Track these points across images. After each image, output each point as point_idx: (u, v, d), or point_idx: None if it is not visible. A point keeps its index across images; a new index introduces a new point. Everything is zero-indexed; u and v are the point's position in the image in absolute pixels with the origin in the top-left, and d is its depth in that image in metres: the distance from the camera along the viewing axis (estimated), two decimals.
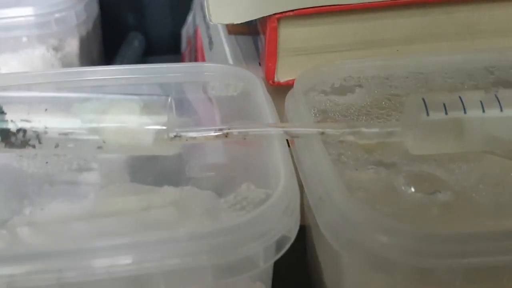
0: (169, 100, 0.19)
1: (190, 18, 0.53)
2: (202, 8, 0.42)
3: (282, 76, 0.26)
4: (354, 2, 0.25)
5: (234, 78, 0.25)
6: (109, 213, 0.20)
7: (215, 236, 0.15)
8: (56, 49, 0.37)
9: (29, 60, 0.36)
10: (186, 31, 0.53)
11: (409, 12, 0.26)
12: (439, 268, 0.15)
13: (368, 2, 0.25)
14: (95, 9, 0.42)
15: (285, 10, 0.24)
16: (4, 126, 0.19)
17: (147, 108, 0.19)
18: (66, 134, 0.19)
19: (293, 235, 0.17)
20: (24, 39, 0.35)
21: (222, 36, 0.32)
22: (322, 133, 0.19)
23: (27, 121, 0.19)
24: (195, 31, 0.43)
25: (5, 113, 0.19)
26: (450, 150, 0.18)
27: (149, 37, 0.54)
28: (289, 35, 0.25)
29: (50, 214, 0.20)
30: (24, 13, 0.34)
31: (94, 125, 0.18)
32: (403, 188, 0.18)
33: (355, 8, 0.25)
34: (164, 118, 0.19)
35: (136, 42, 0.52)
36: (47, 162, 0.20)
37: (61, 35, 0.36)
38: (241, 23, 0.33)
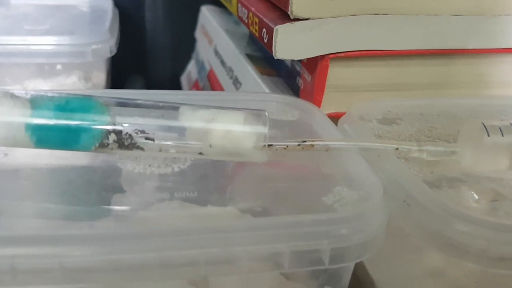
0: (267, 114, 0.22)
1: (189, 66, 0.57)
2: (216, 53, 0.45)
3: (325, 109, 0.29)
4: (393, 48, 0.29)
5: (290, 106, 0.28)
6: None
7: (334, 223, 0.18)
8: (86, 79, 0.38)
9: (59, 87, 0.37)
10: (186, 77, 0.56)
11: (435, 61, 0.31)
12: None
13: (405, 50, 0.29)
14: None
15: (337, 51, 0.28)
16: (119, 128, 0.20)
17: (248, 119, 0.21)
18: (171, 139, 0.21)
19: (381, 242, 0.19)
20: (59, 66, 0.37)
21: (255, 76, 0.35)
22: (397, 149, 0.22)
23: (138, 124, 0.21)
24: (208, 75, 0.46)
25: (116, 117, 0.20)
26: (503, 168, 0.22)
27: (148, 81, 0.56)
28: (336, 73, 0.29)
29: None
30: (63, 42, 0.35)
31: (203, 128, 0.21)
32: (468, 194, 0.21)
33: (393, 54, 0.29)
34: (264, 129, 0.21)
35: (137, 85, 0.54)
36: (149, 165, 0.22)
37: (92, 66, 0.38)
38: (269, 68, 0.37)
